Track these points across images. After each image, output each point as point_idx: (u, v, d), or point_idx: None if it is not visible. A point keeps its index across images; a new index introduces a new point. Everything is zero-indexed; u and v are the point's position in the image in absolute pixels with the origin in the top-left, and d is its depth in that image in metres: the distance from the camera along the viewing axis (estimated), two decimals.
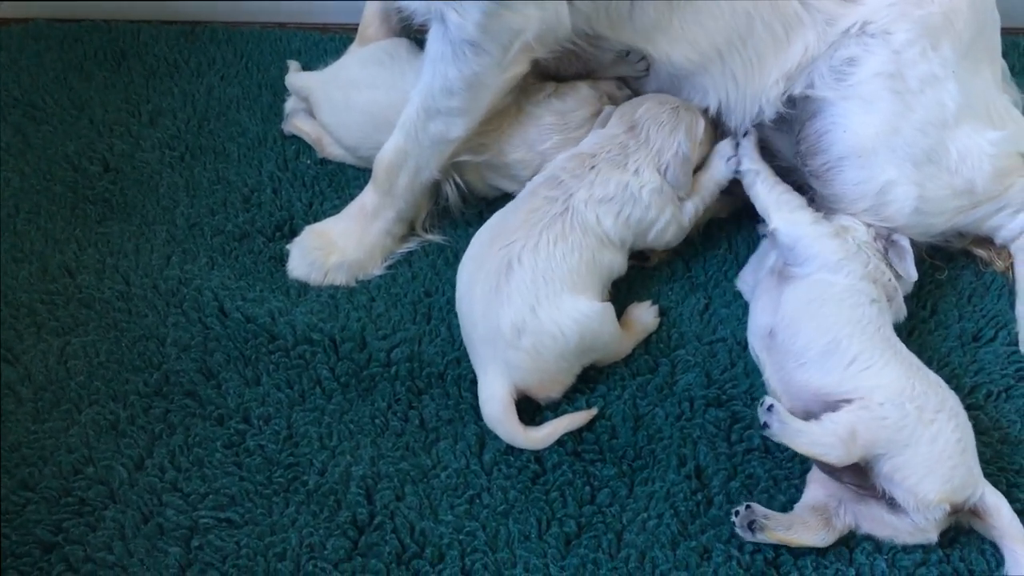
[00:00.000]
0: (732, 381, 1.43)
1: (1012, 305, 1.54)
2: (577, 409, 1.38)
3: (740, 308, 1.52)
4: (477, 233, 1.45)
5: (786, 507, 1.28)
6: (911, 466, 1.20)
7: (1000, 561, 1.23)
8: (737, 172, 1.52)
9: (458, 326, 1.43)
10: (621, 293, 1.52)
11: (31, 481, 1.29)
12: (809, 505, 1.25)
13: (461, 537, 1.26)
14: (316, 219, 1.64)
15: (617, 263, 1.45)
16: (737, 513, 1.24)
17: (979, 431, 1.32)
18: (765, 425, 1.22)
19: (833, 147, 1.48)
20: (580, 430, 1.37)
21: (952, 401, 1.27)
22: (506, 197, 1.59)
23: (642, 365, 1.45)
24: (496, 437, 1.35)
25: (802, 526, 1.23)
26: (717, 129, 1.59)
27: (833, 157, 1.48)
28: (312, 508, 1.28)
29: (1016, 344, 1.49)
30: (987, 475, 1.26)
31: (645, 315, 1.50)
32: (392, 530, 1.26)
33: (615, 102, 1.60)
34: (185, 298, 1.52)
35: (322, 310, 1.51)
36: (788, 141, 1.56)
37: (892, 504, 1.22)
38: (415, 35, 1.76)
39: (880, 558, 1.24)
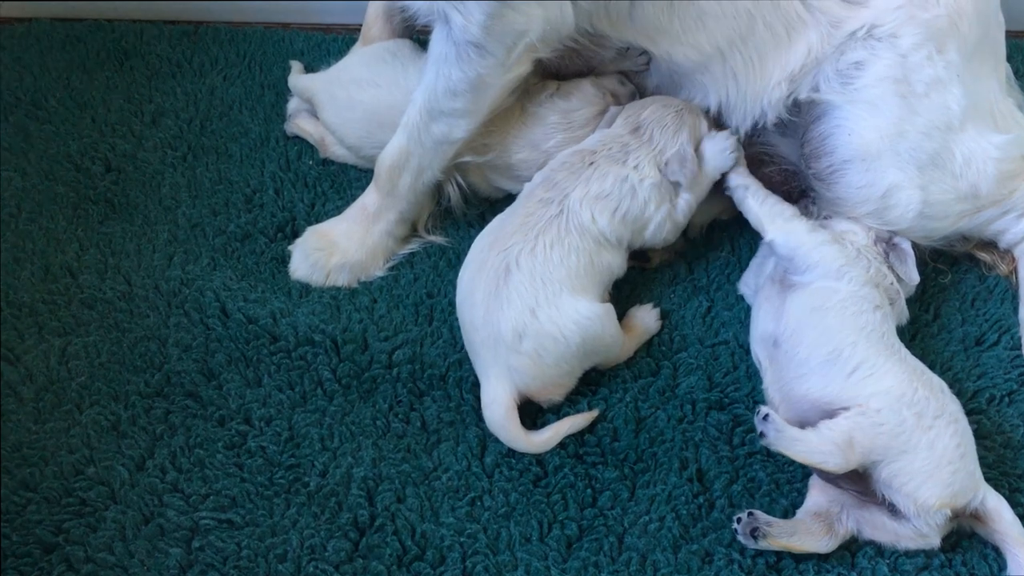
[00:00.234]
0: (734, 384, 1.43)
1: (1015, 309, 1.53)
2: (579, 411, 1.38)
3: (742, 311, 1.52)
4: (478, 237, 1.45)
5: (788, 511, 1.28)
6: (910, 472, 1.20)
7: (1002, 565, 1.23)
8: (727, 188, 1.51)
9: (459, 328, 1.43)
10: (623, 295, 1.52)
11: (32, 481, 1.29)
12: (812, 511, 1.25)
13: (462, 539, 1.26)
14: (318, 220, 1.64)
15: (616, 264, 1.45)
16: (739, 520, 1.23)
17: (981, 435, 1.32)
18: (761, 435, 1.22)
19: (837, 150, 1.48)
20: (582, 433, 1.36)
21: (953, 406, 1.27)
22: (509, 198, 1.59)
23: (644, 368, 1.45)
24: (497, 439, 1.35)
25: (805, 532, 1.22)
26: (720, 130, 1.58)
27: (837, 160, 1.48)
28: (313, 510, 1.28)
29: (1019, 348, 1.49)
30: (989, 479, 1.26)
31: (647, 318, 1.50)
32: (393, 532, 1.26)
33: (618, 98, 1.60)
34: (187, 299, 1.51)
35: (324, 311, 1.51)
36: (792, 144, 1.55)
37: (893, 510, 1.21)
38: (418, 35, 1.76)
39: (882, 562, 1.24)
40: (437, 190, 1.61)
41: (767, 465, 1.34)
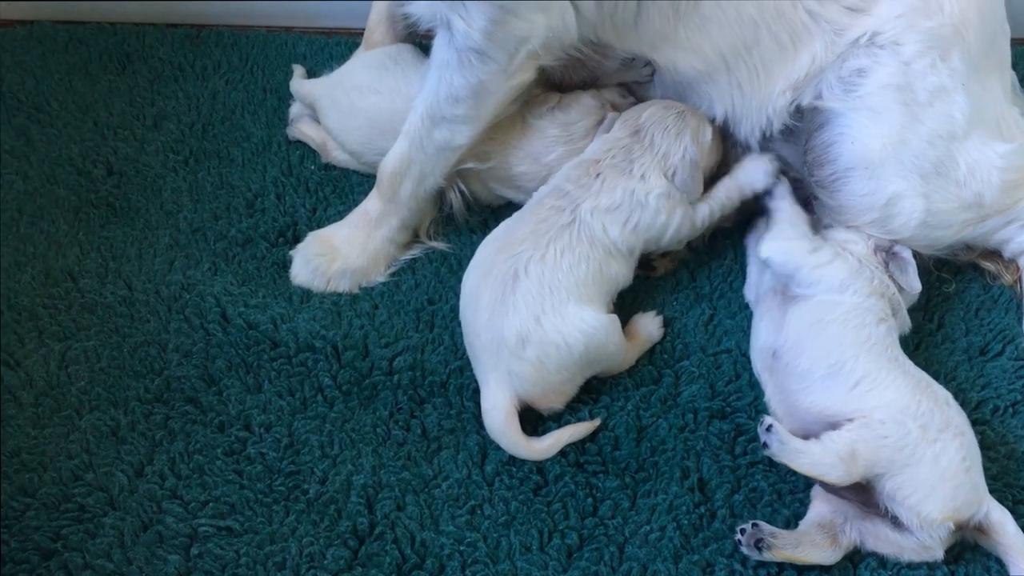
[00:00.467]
0: (736, 393, 1.42)
1: (1020, 319, 1.53)
2: (580, 420, 1.37)
3: (745, 319, 1.51)
4: (483, 242, 1.45)
5: (790, 521, 1.28)
6: (914, 485, 1.19)
7: None
8: (764, 208, 1.51)
9: (461, 335, 1.42)
10: (626, 303, 1.51)
11: (31, 487, 1.29)
12: (815, 522, 1.24)
13: (462, 548, 1.25)
14: (320, 225, 1.64)
15: (623, 274, 1.45)
16: (743, 531, 1.22)
17: (985, 446, 1.31)
18: (765, 445, 1.22)
19: (840, 158, 1.47)
20: (583, 441, 1.36)
21: (959, 419, 1.26)
22: (511, 205, 1.59)
23: (646, 376, 1.44)
24: (498, 447, 1.34)
25: (809, 544, 1.21)
26: (727, 140, 1.58)
27: (840, 168, 1.47)
28: (312, 517, 1.28)
29: None
30: (993, 491, 1.25)
31: (649, 326, 1.49)
32: (393, 540, 1.26)
33: (619, 110, 1.59)
34: (187, 304, 1.51)
35: (325, 317, 1.50)
36: (796, 152, 1.55)
37: (896, 522, 1.21)
38: (420, 41, 1.76)
39: (885, 574, 1.23)
40: (439, 196, 1.60)
41: (769, 475, 1.33)
